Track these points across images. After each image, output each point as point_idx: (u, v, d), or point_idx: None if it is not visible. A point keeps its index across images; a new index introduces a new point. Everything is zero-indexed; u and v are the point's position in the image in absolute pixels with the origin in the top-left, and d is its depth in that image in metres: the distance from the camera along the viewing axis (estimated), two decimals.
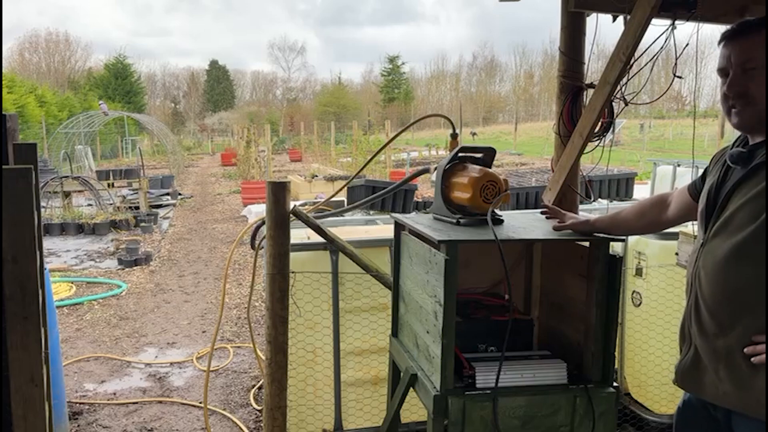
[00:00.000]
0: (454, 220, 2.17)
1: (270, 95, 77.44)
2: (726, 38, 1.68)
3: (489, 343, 2.22)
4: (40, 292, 1.87)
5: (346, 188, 6.25)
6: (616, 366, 3.41)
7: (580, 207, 3.17)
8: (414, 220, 2.33)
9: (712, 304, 1.67)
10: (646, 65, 2.58)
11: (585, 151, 2.85)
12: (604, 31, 2.87)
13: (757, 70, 1.60)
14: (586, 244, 2.10)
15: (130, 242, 8.64)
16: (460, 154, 2.34)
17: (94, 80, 52.64)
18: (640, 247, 3.35)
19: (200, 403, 4.02)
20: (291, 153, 32.18)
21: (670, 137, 36.62)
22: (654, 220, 2.06)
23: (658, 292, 3.28)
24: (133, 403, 4.10)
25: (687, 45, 2.48)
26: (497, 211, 2.20)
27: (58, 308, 6.02)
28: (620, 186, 10.43)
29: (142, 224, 10.50)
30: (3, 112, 2.08)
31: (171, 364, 4.81)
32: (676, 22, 2.54)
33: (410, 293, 2.31)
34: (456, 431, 1.92)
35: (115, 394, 4.26)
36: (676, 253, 2.95)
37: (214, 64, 70.22)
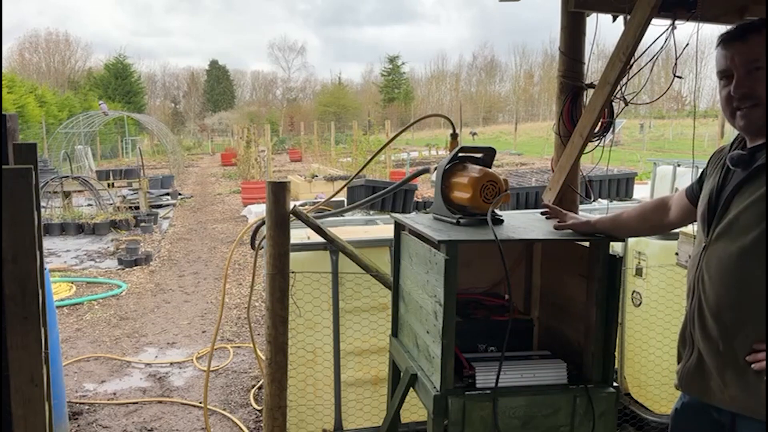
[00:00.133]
0: (454, 220, 2.17)
1: (270, 95, 77.51)
2: (727, 40, 1.66)
3: (489, 343, 2.22)
4: (40, 292, 1.87)
5: (346, 188, 6.25)
6: (616, 366, 3.41)
7: (580, 207, 3.17)
8: (414, 220, 2.33)
9: (716, 307, 1.66)
10: (646, 65, 2.58)
11: (585, 151, 2.85)
12: (604, 31, 2.87)
13: (763, 70, 1.59)
14: (586, 244, 2.10)
15: (130, 242, 8.63)
16: (460, 154, 2.34)
17: (94, 80, 52.64)
18: (640, 247, 3.35)
19: (200, 403, 4.02)
20: (291, 153, 32.19)
21: (670, 137, 36.63)
22: (655, 224, 2.05)
23: (658, 292, 3.28)
24: (133, 403, 4.10)
25: (687, 45, 2.48)
26: (497, 211, 2.20)
27: (58, 308, 6.02)
28: (620, 186, 10.42)
29: (142, 224, 10.50)
30: (3, 112, 2.08)
31: (171, 364, 4.81)
32: (676, 22, 2.54)
33: (410, 293, 2.31)
34: (456, 431, 1.92)
35: (115, 394, 4.26)
36: (676, 253, 2.95)
37: (214, 64, 70.27)
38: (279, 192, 2.52)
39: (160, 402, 4.11)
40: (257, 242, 3.08)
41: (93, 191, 11.40)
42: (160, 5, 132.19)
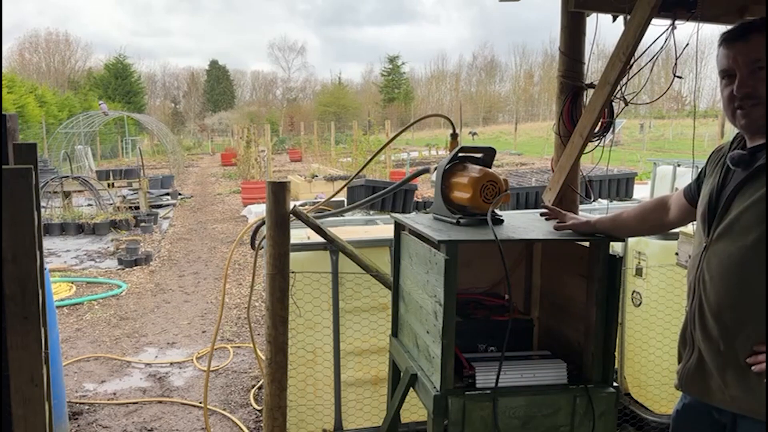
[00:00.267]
0: (454, 220, 2.17)
1: (270, 95, 77.51)
2: (729, 39, 1.66)
3: (489, 343, 2.22)
4: (40, 292, 1.87)
5: (346, 188, 6.25)
6: (616, 366, 3.41)
7: (580, 207, 3.17)
8: (414, 220, 2.33)
9: (717, 307, 1.66)
10: (646, 65, 2.58)
11: (585, 151, 2.85)
12: (604, 31, 2.87)
13: (764, 70, 1.59)
14: (586, 244, 2.10)
15: (130, 242, 8.64)
16: (460, 154, 2.34)
17: (94, 80, 52.63)
18: (640, 247, 3.35)
19: (200, 403, 4.02)
20: (291, 153, 32.17)
21: (670, 137, 36.63)
22: (655, 224, 2.06)
23: (658, 292, 3.28)
24: (133, 403, 4.10)
25: (687, 45, 2.48)
26: (497, 211, 2.20)
27: (58, 308, 6.02)
28: (620, 186, 10.42)
29: (142, 224, 10.50)
30: (3, 112, 2.08)
31: (171, 364, 4.81)
32: (676, 22, 2.54)
33: (410, 293, 2.31)
34: (456, 431, 1.92)
35: (115, 394, 4.26)
36: (676, 253, 2.96)
37: (214, 64, 70.25)
38: (279, 192, 2.52)
39: (160, 402, 4.11)
40: (257, 242, 3.08)
41: (93, 191, 11.40)
42: (160, 5, 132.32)
